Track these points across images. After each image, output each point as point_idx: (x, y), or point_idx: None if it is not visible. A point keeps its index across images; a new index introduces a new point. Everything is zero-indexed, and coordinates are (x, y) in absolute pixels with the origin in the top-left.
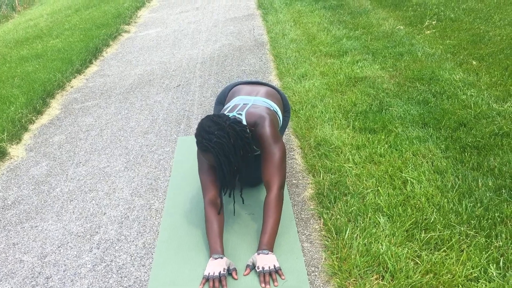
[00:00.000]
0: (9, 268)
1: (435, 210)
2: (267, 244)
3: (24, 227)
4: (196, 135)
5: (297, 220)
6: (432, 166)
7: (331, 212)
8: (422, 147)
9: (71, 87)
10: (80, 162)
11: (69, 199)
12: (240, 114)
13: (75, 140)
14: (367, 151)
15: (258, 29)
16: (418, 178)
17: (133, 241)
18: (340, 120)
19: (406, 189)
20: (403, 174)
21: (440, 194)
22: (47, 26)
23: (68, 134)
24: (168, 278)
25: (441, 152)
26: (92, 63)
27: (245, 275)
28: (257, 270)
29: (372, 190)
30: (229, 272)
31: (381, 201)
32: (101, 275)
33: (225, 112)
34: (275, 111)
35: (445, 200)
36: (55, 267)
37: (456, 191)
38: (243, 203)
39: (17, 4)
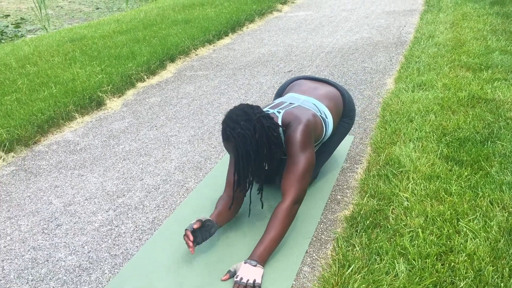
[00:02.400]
0: (38, 206)
1: (470, 276)
2: (259, 256)
3: (73, 173)
4: (222, 122)
5: (314, 239)
6: (507, 222)
7: (351, 241)
8: (507, 196)
9: (196, 55)
10: (155, 126)
11: (123, 158)
12: (279, 112)
13: (165, 104)
14: (437, 184)
15: (409, 26)
16: (477, 232)
17: (147, 212)
18: (430, 142)
19: (454, 241)
20: (461, 223)
21: (489, 257)
22: None
23: (164, 97)
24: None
25: None
26: (227, 35)
27: (222, 280)
28: (235, 279)
29: (412, 230)
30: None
31: (413, 246)
32: (99, 237)
33: (268, 107)
34: (323, 117)
35: (491, 267)
36: (70, 217)
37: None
38: (262, 207)
39: None
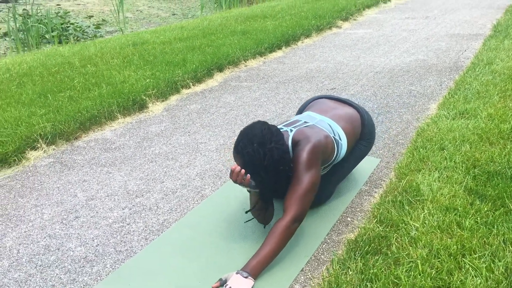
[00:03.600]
0: (63, 198)
1: None
2: (252, 268)
3: (102, 170)
4: (239, 135)
5: (313, 258)
6: None
7: (347, 264)
8: None
9: (245, 66)
10: (188, 132)
11: (150, 160)
12: (291, 131)
13: (204, 112)
14: (451, 217)
15: (470, 51)
16: (480, 271)
17: (159, 214)
18: (457, 173)
19: (453, 277)
20: (466, 259)
21: None
22: (279, 9)
23: (204, 105)
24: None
25: None
26: (280, 48)
27: (212, 287)
28: (223, 287)
29: (412, 261)
30: None
31: (408, 277)
32: (109, 232)
33: (282, 125)
34: (336, 139)
35: None
36: (89, 211)
37: None
38: (264, 228)
39: None
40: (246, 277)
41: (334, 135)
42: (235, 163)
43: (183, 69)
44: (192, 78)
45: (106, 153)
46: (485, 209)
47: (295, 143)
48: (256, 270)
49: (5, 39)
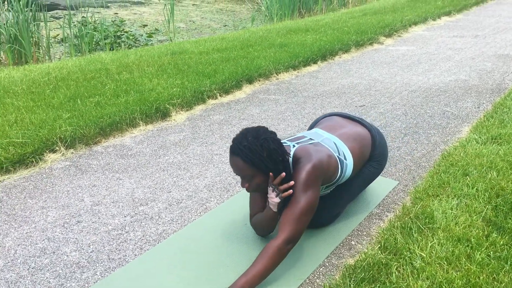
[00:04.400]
0: (70, 201)
1: None
2: (240, 287)
3: (114, 176)
4: (233, 138)
5: (307, 281)
6: None
7: None
8: None
9: (277, 79)
10: (206, 143)
11: (162, 169)
12: (294, 146)
13: (225, 123)
14: (462, 249)
15: None
16: None
17: (159, 224)
18: (477, 202)
19: None
20: None
21: None
22: (323, 23)
23: (227, 116)
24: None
25: None
26: (316, 63)
27: None
28: None
29: None
30: None
31: None
32: (106, 239)
33: (286, 139)
34: (341, 158)
35: None
36: (92, 216)
37: None
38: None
39: (349, 1)
40: None
41: (339, 155)
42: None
43: (212, 79)
44: (219, 89)
45: (121, 159)
46: (501, 242)
47: (296, 159)
48: None
49: (62, 45)
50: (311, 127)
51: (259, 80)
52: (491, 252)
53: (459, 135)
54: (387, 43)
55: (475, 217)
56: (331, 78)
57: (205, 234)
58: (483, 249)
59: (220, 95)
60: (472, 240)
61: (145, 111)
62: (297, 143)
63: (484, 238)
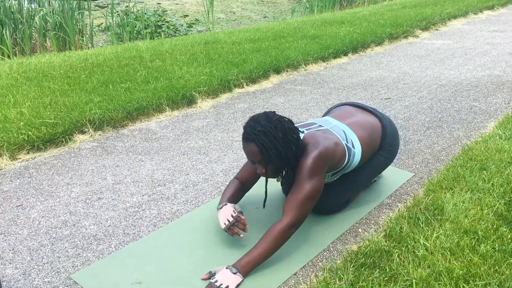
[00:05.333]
0: (94, 179)
1: None
2: (243, 266)
3: (136, 158)
4: (244, 126)
5: (310, 264)
6: None
7: (339, 274)
8: None
9: (305, 70)
10: (227, 130)
11: (182, 153)
12: (303, 132)
13: (249, 111)
14: (468, 241)
15: None
16: None
17: (174, 204)
18: (491, 196)
19: None
20: (468, 285)
21: None
22: (360, 16)
23: (252, 105)
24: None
25: None
26: (346, 55)
27: (201, 279)
28: (210, 280)
29: (408, 280)
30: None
31: None
32: (123, 216)
33: (297, 125)
34: (348, 146)
35: None
36: (112, 194)
37: None
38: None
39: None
40: (235, 273)
41: (347, 142)
42: None
43: (240, 68)
44: (246, 78)
45: (145, 142)
46: (509, 236)
47: (304, 146)
48: (246, 268)
49: (105, 33)
50: (324, 115)
51: (287, 71)
52: (497, 245)
53: (483, 131)
54: (423, 37)
55: (486, 210)
56: (360, 70)
57: (216, 215)
58: (489, 241)
59: (246, 84)
60: (479, 232)
61: (172, 98)
62: (307, 129)
63: (492, 231)
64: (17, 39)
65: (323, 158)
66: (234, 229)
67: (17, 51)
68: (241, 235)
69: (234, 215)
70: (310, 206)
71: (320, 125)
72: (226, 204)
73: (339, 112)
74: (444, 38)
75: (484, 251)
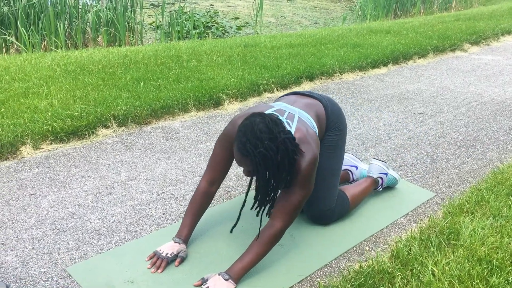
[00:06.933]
0: (108, 174)
1: None
2: (235, 272)
3: (153, 156)
4: (241, 135)
5: (308, 279)
6: None
7: None
8: None
9: (340, 78)
10: None
11: (200, 154)
12: (289, 125)
13: None
14: (480, 271)
15: None
16: None
17: (181, 205)
18: None
19: None
20: None
21: None
22: (408, 26)
23: None
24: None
25: None
26: (386, 65)
27: (194, 285)
28: (202, 286)
29: None
30: (175, 257)
31: None
32: (129, 213)
33: (272, 111)
34: (316, 132)
35: None
36: (123, 190)
37: None
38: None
39: (452, 5)
40: (226, 280)
41: (314, 128)
42: None
43: (272, 73)
44: (277, 83)
45: (166, 141)
46: None
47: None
48: (238, 275)
49: (156, 32)
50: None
51: (321, 78)
52: (511, 278)
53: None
54: (472, 51)
55: (507, 239)
56: (398, 82)
57: (221, 220)
58: (503, 273)
59: (277, 89)
60: (494, 262)
61: (199, 98)
62: (288, 120)
63: (508, 262)
64: (71, 33)
65: (314, 164)
66: (158, 262)
67: (69, 44)
68: (152, 271)
69: (170, 254)
70: (299, 210)
71: (291, 113)
72: (179, 243)
73: (288, 99)
74: (494, 54)
75: (496, 282)
